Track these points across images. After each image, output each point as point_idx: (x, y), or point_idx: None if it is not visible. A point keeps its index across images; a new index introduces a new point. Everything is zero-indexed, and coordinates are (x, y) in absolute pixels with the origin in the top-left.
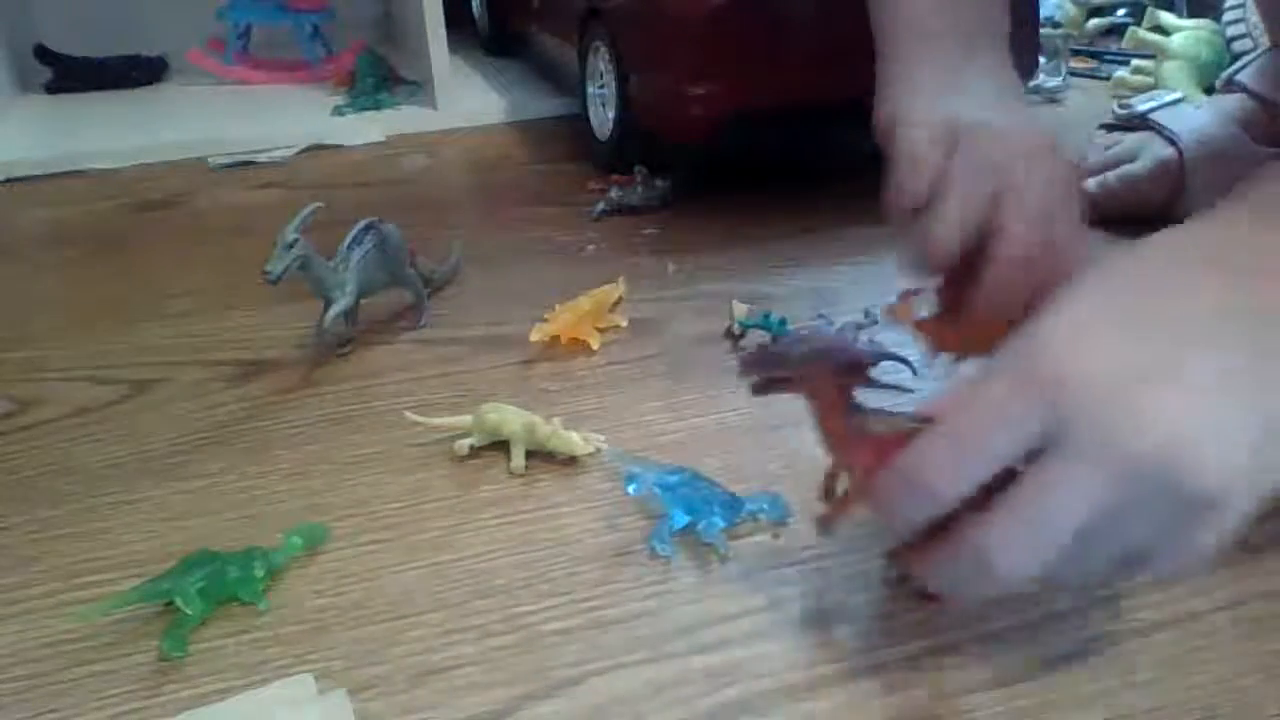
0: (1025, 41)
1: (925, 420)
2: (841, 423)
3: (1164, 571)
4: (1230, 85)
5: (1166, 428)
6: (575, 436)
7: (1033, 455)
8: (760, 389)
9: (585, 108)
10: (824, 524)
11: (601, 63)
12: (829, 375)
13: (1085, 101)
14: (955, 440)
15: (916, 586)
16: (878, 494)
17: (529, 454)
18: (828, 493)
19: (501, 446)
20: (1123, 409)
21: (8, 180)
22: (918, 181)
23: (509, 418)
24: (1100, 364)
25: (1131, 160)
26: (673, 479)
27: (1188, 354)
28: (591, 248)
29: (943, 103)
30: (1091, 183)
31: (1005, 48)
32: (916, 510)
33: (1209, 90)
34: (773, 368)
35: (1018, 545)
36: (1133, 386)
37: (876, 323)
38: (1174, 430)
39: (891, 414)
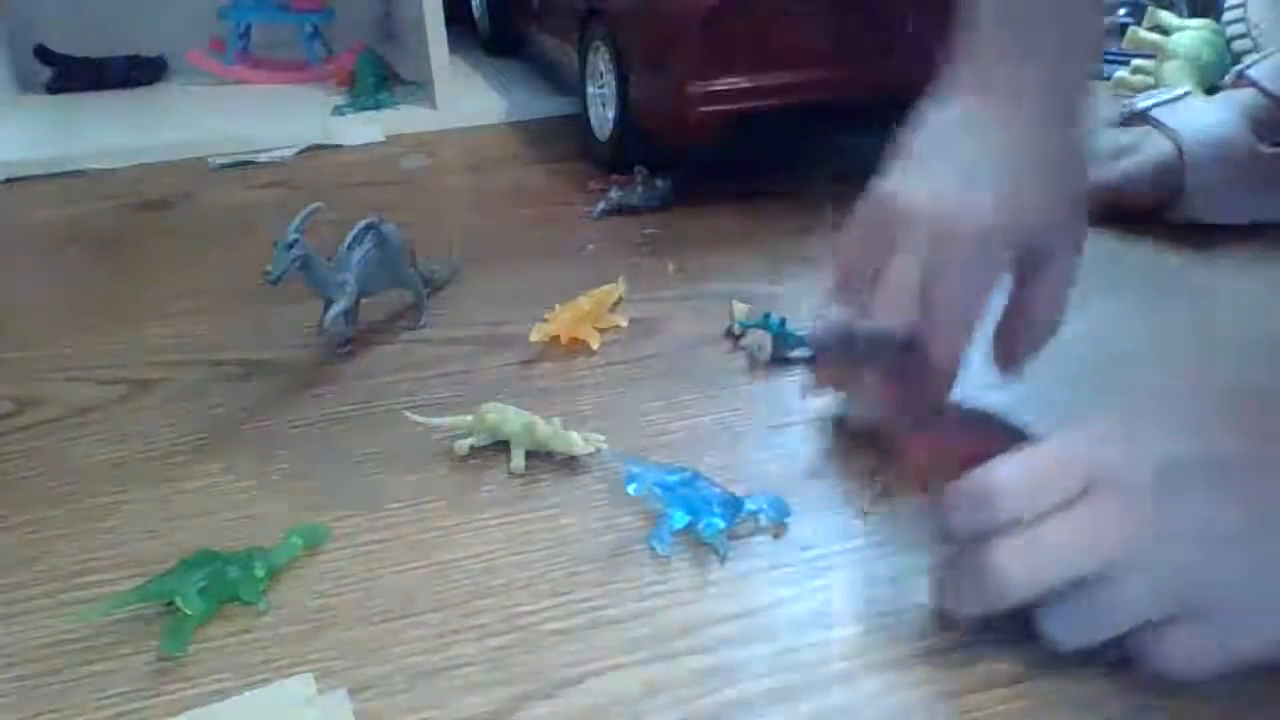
0: None
1: (1009, 432)
2: (913, 411)
3: (1171, 667)
4: (1241, 79)
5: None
6: (575, 436)
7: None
8: (826, 369)
9: (585, 108)
10: (870, 504)
11: (601, 63)
12: (911, 364)
13: None
14: (1032, 470)
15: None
16: (947, 493)
17: (529, 454)
18: (876, 472)
19: (501, 446)
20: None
21: (8, 180)
22: (846, 300)
23: (509, 418)
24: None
25: (1132, 156)
26: (672, 479)
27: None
28: (591, 248)
29: (919, 162)
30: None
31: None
32: (977, 521)
33: (1210, 90)
34: (848, 346)
35: (1021, 563)
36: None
37: None
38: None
39: (968, 411)
